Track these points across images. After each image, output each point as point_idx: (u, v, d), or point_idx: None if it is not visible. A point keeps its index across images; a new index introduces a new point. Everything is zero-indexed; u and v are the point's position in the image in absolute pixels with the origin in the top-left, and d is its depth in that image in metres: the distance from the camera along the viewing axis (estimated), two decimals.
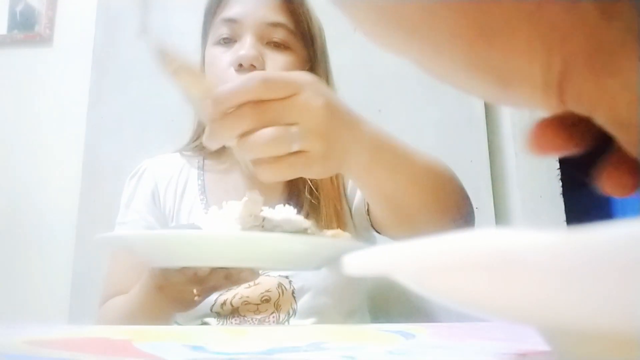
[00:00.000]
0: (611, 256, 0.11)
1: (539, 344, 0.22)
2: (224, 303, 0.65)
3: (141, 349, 0.29)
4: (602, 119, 0.17)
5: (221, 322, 0.65)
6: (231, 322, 0.65)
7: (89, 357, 0.27)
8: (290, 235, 0.44)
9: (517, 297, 0.14)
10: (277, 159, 0.40)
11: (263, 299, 0.65)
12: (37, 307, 1.30)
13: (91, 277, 0.98)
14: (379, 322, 0.81)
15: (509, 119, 1.04)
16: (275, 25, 0.68)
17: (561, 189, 1.00)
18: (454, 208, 0.54)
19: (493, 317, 0.17)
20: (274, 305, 0.66)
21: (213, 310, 0.65)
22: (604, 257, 0.11)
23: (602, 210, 1.31)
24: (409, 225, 0.53)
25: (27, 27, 1.49)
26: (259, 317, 0.65)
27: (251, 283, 0.64)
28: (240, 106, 0.39)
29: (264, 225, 0.46)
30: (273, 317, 0.65)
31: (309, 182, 0.71)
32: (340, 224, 0.70)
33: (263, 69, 0.66)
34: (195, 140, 0.79)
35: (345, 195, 0.74)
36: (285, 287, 0.66)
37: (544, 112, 0.20)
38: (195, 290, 0.53)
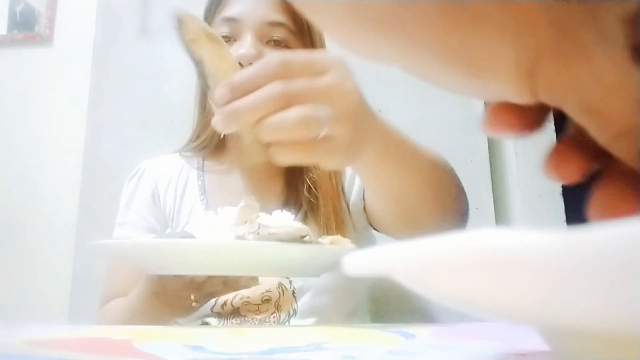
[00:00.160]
0: (611, 256, 0.11)
1: (539, 344, 0.22)
2: (224, 303, 0.65)
3: (141, 349, 0.29)
4: (571, 108, 0.17)
5: (222, 323, 0.65)
6: (232, 323, 0.65)
7: (89, 357, 0.27)
8: (283, 245, 0.44)
9: (517, 297, 0.14)
10: (301, 142, 0.37)
11: (263, 299, 0.65)
12: (37, 307, 1.30)
13: (91, 277, 0.98)
14: (379, 322, 0.81)
15: None
16: (275, 24, 0.68)
17: (561, 189, 1.00)
18: (454, 200, 0.54)
19: (493, 317, 0.17)
20: (274, 305, 0.66)
21: (213, 310, 0.65)
22: (604, 257, 0.11)
23: None
24: (413, 220, 0.53)
25: (27, 27, 1.49)
26: (259, 317, 0.65)
27: None
28: (263, 88, 0.36)
29: (259, 232, 0.45)
30: (273, 317, 0.65)
31: (308, 181, 0.71)
32: (339, 223, 0.70)
33: None
34: (194, 141, 0.79)
35: (343, 192, 0.74)
36: (285, 287, 0.66)
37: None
38: (192, 296, 0.53)
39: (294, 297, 0.67)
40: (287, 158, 0.38)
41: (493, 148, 1.08)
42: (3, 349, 0.28)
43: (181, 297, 0.53)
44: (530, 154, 1.02)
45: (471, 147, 1.06)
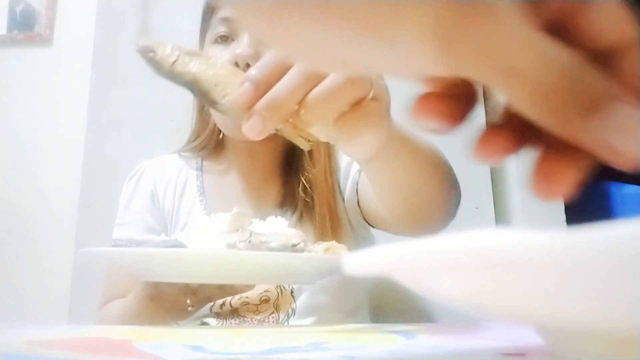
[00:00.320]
0: (611, 256, 0.11)
1: (539, 344, 0.22)
2: (223, 304, 0.65)
3: (141, 349, 0.29)
4: (490, 72, 0.16)
5: (220, 323, 0.65)
6: (230, 323, 0.65)
7: (89, 357, 0.27)
8: (274, 255, 0.44)
9: (517, 297, 0.14)
10: (356, 107, 0.33)
11: (262, 299, 0.65)
12: (37, 307, 1.30)
13: (91, 277, 0.98)
14: (379, 322, 0.81)
15: None
16: None
17: None
18: (451, 189, 0.53)
19: (493, 317, 0.17)
20: (273, 305, 0.66)
21: (212, 310, 0.65)
22: (604, 257, 0.11)
23: (602, 210, 1.31)
24: (420, 211, 0.52)
25: (27, 27, 1.49)
26: (258, 317, 0.65)
27: None
28: (291, 69, 0.32)
29: (251, 240, 0.45)
30: (272, 317, 0.65)
31: (303, 180, 0.71)
32: (334, 224, 0.69)
33: None
34: (193, 141, 0.79)
35: (340, 190, 0.74)
36: (284, 286, 0.66)
37: (426, 84, 0.20)
38: (188, 301, 0.53)
39: (293, 296, 0.67)
40: (351, 128, 0.34)
41: None
42: (3, 349, 0.28)
43: (177, 301, 0.53)
44: (530, 154, 1.02)
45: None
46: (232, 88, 0.34)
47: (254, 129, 0.32)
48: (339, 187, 0.74)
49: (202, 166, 0.78)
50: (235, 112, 0.34)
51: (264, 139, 0.33)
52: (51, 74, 1.46)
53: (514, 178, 1.03)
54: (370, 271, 0.18)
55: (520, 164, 1.02)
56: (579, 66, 0.16)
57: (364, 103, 0.33)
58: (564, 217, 0.99)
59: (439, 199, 0.52)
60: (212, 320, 0.65)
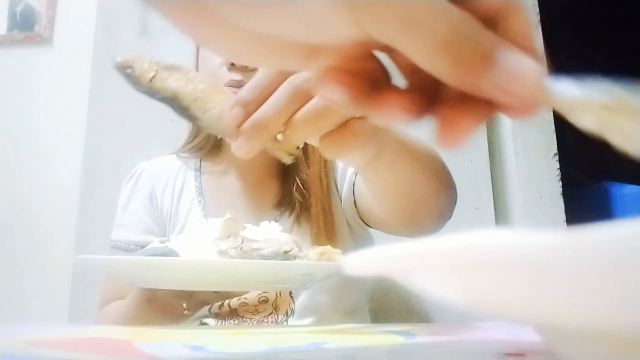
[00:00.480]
0: (611, 256, 0.11)
1: (539, 344, 0.22)
2: (222, 305, 0.65)
3: (141, 349, 0.29)
4: (392, 27, 0.18)
5: (219, 323, 0.65)
6: (229, 323, 0.65)
7: (89, 357, 0.27)
8: (264, 263, 0.44)
9: (517, 297, 0.14)
10: (341, 127, 0.33)
11: (261, 299, 0.65)
12: (37, 307, 1.30)
13: (91, 278, 0.98)
14: (379, 322, 0.81)
15: (509, 118, 1.04)
16: None
17: (561, 189, 1.00)
18: (448, 190, 0.53)
19: (493, 317, 0.17)
20: (272, 305, 0.66)
21: (211, 311, 0.65)
22: (604, 257, 0.11)
23: (602, 210, 1.31)
24: (419, 212, 0.52)
25: (27, 27, 1.49)
26: (257, 317, 0.65)
27: None
28: (278, 90, 0.33)
29: (243, 247, 0.45)
30: (271, 317, 0.65)
31: (298, 181, 0.71)
32: (328, 224, 0.69)
33: (255, 67, 0.66)
34: (191, 142, 0.79)
35: (337, 191, 0.74)
36: None
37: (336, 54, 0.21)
38: (184, 304, 0.53)
39: (292, 297, 0.67)
40: (337, 148, 0.34)
41: (493, 148, 1.08)
42: (3, 349, 0.28)
43: (172, 305, 0.53)
44: (530, 154, 1.02)
45: (471, 147, 1.06)
46: (212, 103, 0.33)
47: (241, 149, 0.33)
48: (336, 188, 0.74)
49: (200, 167, 0.78)
50: (216, 128, 0.34)
51: None
52: (51, 74, 1.46)
53: (514, 178, 1.03)
54: (370, 271, 0.18)
55: (520, 164, 1.02)
56: (472, 21, 0.18)
57: (349, 123, 0.33)
58: (564, 217, 0.99)
59: (435, 201, 0.52)
60: (211, 321, 0.65)
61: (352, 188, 0.70)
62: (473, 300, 0.16)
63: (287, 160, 0.36)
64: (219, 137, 0.75)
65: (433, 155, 0.51)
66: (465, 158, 1.03)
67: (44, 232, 1.37)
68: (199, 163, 0.79)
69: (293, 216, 0.71)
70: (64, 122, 1.41)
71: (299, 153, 0.36)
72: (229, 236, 0.46)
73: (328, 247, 0.49)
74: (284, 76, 0.33)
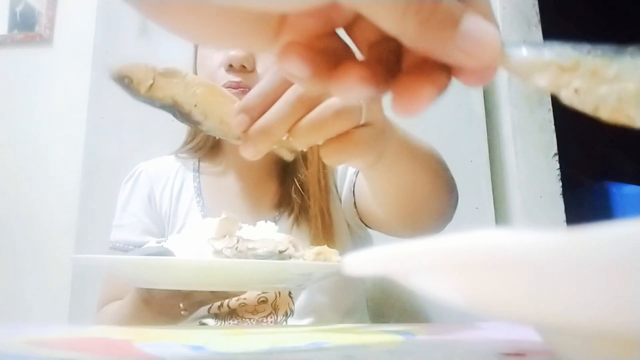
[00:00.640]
0: (611, 256, 0.11)
1: (539, 344, 0.22)
2: (221, 305, 0.65)
3: (141, 349, 0.29)
4: None
5: (219, 324, 0.65)
6: (229, 324, 0.65)
7: (89, 357, 0.27)
8: (259, 263, 0.44)
9: (517, 297, 0.14)
10: (342, 136, 0.34)
11: (260, 300, 0.65)
12: (37, 307, 1.30)
13: (91, 277, 0.98)
14: (379, 322, 0.81)
15: (509, 119, 1.04)
16: None
17: (561, 189, 1.00)
18: (449, 192, 0.53)
19: (493, 317, 0.17)
20: (271, 305, 0.66)
21: (210, 311, 0.65)
22: (604, 257, 0.11)
23: (602, 210, 1.31)
24: (420, 213, 0.52)
25: (27, 28, 1.49)
26: (256, 317, 0.65)
27: None
28: (283, 96, 0.33)
29: (238, 246, 0.45)
30: (271, 317, 0.65)
31: (296, 182, 0.71)
32: (326, 225, 0.69)
33: (253, 69, 0.66)
34: (190, 142, 0.79)
35: (337, 191, 0.74)
36: None
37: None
38: (181, 305, 0.53)
39: (291, 297, 0.67)
40: (336, 156, 0.35)
41: (493, 148, 1.08)
42: (3, 349, 0.28)
43: (169, 305, 0.53)
44: (530, 154, 1.02)
45: (471, 147, 1.06)
46: (212, 106, 0.34)
47: (247, 153, 0.33)
48: (336, 189, 0.74)
49: (199, 167, 0.78)
50: (219, 131, 0.34)
51: None
52: (51, 74, 1.46)
53: (514, 178, 1.03)
54: (370, 271, 0.18)
55: (520, 164, 1.02)
56: None
57: (351, 132, 0.34)
58: (564, 217, 0.99)
59: (436, 201, 0.52)
60: (210, 321, 0.65)
61: (352, 189, 0.70)
62: (473, 300, 0.16)
63: (289, 157, 0.36)
64: (217, 138, 0.76)
65: (435, 156, 0.51)
66: (465, 158, 1.03)
67: (44, 232, 1.37)
68: (197, 164, 0.79)
69: (292, 217, 0.71)
70: (64, 122, 1.41)
71: (299, 150, 0.37)
72: (225, 236, 0.46)
73: (324, 247, 0.49)
74: (288, 83, 0.33)
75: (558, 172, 1.01)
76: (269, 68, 0.65)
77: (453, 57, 0.19)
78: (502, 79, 1.07)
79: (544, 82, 0.18)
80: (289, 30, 0.21)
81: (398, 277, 0.17)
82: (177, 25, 0.21)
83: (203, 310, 0.63)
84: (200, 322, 0.65)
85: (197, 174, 0.77)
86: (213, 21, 0.21)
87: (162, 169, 0.78)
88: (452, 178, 0.53)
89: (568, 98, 0.18)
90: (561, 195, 1.00)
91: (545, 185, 1.00)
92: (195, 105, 0.33)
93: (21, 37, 1.49)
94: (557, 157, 1.01)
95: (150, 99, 0.33)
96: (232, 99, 0.35)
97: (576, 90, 0.18)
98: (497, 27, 0.19)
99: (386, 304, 0.92)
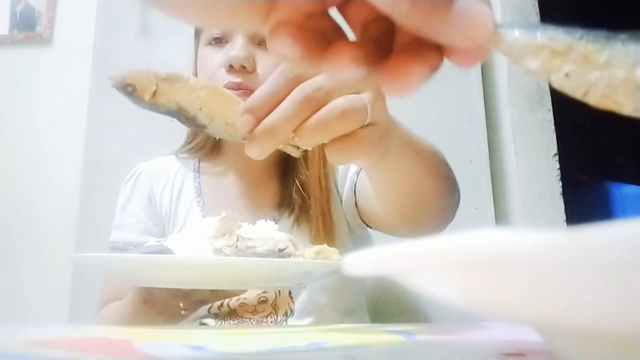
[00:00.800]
0: (611, 256, 0.11)
1: (539, 344, 0.22)
2: (221, 305, 0.65)
3: (141, 349, 0.29)
4: None
5: (219, 323, 0.65)
6: (229, 324, 0.65)
7: (89, 357, 0.27)
8: (258, 260, 0.44)
9: (517, 297, 0.14)
10: (347, 136, 0.34)
11: (260, 300, 0.65)
12: (37, 307, 1.30)
13: (91, 278, 0.98)
14: (379, 322, 0.81)
15: (509, 119, 1.04)
16: None
17: (561, 189, 1.00)
18: (452, 192, 0.53)
19: (493, 317, 0.17)
20: (271, 305, 0.66)
21: (210, 311, 0.65)
22: (604, 257, 0.11)
23: (602, 210, 1.31)
24: (422, 213, 0.52)
25: (28, 27, 1.49)
26: (256, 317, 0.65)
27: None
28: (288, 97, 0.33)
29: (238, 245, 0.45)
30: (271, 317, 0.65)
31: (297, 182, 0.71)
32: (327, 226, 0.69)
33: (254, 69, 0.66)
34: (190, 143, 0.79)
35: (338, 192, 0.74)
36: None
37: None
38: (181, 304, 0.53)
39: (291, 297, 0.67)
40: (341, 156, 0.35)
41: (493, 148, 1.08)
42: (3, 349, 0.28)
43: (169, 305, 0.53)
44: (530, 154, 1.02)
45: (471, 147, 1.06)
46: (216, 109, 0.34)
47: (252, 152, 0.34)
48: (337, 189, 0.74)
49: (199, 167, 0.78)
50: (225, 133, 0.35)
51: None
52: (51, 74, 1.46)
53: (514, 178, 1.03)
54: (370, 271, 0.18)
55: (520, 164, 1.02)
56: None
57: (356, 132, 0.34)
58: (564, 217, 0.99)
59: (437, 201, 0.52)
60: (210, 321, 0.65)
61: (353, 189, 0.70)
62: (473, 300, 0.16)
63: (296, 154, 0.36)
64: (217, 138, 0.76)
65: (438, 156, 0.51)
66: (465, 158, 1.03)
67: (44, 232, 1.37)
68: (197, 164, 0.79)
69: (292, 217, 0.71)
70: (64, 122, 1.41)
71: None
72: (225, 234, 0.46)
73: (324, 246, 0.49)
74: (293, 83, 0.34)
75: (558, 172, 1.01)
76: (269, 69, 0.65)
77: (446, 37, 0.19)
78: (502, 79, 1.07)
79: (535, 65, 0.18)
80: (280, 9, 0.21)
81: (398, 277, 0.17)
82: (169, 5, 0.21)
83: (203, 310, 0.63)
84: (200, 322, 0.65)
85: (198, 174, 0.77)
86: (204, 0, 0.21)
87: (162, 169, 0.78)
88: (454, 178, 0.53)
89: (558, 82, 0.18)
90: (561, 195, 1.00)
91: (545, 185, 1.00)
92: (200, 109, 0.34)
93: (21, 37, 1.49)
94: (557, 157, 1.01)
95: (155, 106, 0.33)
96: (235, 100, 0.35)
97: (567, 75, 0.18)
98: (491, 7, 0.19)
99: (386, 304, 0.92)
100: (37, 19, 1.49)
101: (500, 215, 1.04)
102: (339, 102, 0.33)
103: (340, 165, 0.38)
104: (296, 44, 0.21)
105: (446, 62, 0.21)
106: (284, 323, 0.65)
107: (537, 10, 1.07)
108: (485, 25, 0.18)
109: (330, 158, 0.35)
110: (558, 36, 0.18)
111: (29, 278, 1.35)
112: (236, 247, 0.45)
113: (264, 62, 0.67)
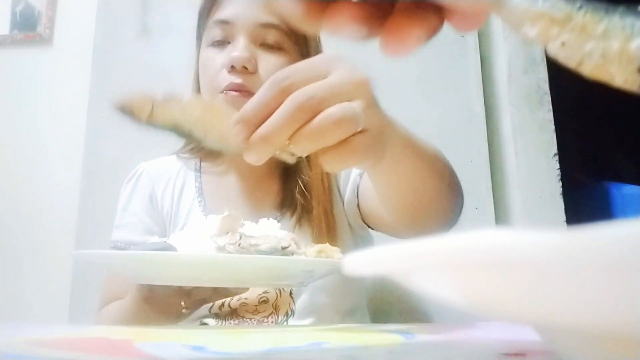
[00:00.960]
0: (611, 256, 0.11)
1: (539, 344, 0.22)
2: (222, 305, 0.65)
3: (141, 349, 0.29)
4: None
5: (219, 323, 0.65)
6: (229, 324, 0.65)
7: (89, 357, 0.27)
8: (262, 258, 0.44)
9: (517, 297, 0.14)
10: (341, 144, 0.34)
11: (261, 300, 0.65)
12: (37, 307, 1.30)
13: (91, 278, 0.98)
14: (379, 322, 0.81)
15: (509, 119, 1.04)
16: (268, 26, 0.68)
17: (561, 189, 1.00)
18: (455, 195, 0.53)
19: (493, 317, 0.17)
20: (272, 305, 0.66)
21: (211, 311, 0.65)
22: (604, 257, 0.11)
23: (602, 210, 1.31)
24: (424, 214, 0.52)
25: (28, 27, 1.49)
26: (257, 317, 0.65)
27: None
28: (281, 106, 0.34)
29: (241, 243, 0.45)
30: (271, 317, 0.65)
31: (300, 183, 0.71)
32: (330, 226, 0.69)
33: (255, 70, 0.66)
34: (191, 143, 0.79)
35: (339, 192, 0.74)
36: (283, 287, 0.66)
37: None
38: (183, 303, 0.53)
39: (292, 297, 0.67)
40: (336, 163, 0.35)
41: (493, 148, 1.08)
42: (3, 349, 0.28)
43: (171, 303, 0.53)
44: (530, 154, 1.02)
45: (471, 147, 1.06)
46: (210, 124, 0.36)
47: (249, 159, 0.35)
48: (339, 189, 0.74)
49: (200, 167, 0.78)
50: (222, 146, 0.36)
51: None
52: (51, 74, 1.46)
53: (514, 178, 1.03)
54: (370, 271, 0.18)
55: (520, 164, 1.02)
56: None
57: (349, 140, 0.34)
58: (564, 217, 0.99)
59: (439, 203, 0.52)
60: (211, 321, 0.65)
61: (355, 190, 0.70)
62: (473, 300, 0.16)
63: (291, 160, 0.37)
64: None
65: (440, 158, 0.51)
66: (465, 158, 1.04)
67: (44, 232, 1.37)
68: (199, 164, 0.79)
69: (294, 217, 0.71)
70: (64, 122, 1.41)
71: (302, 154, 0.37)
72: (227, 232, 0.46)
73: (326, 245, 0.49)
74: (285, 93, 0.34)
75: (558, 172, 1.01)
76: (270, 70, 0.65)
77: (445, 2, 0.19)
78: (502, 79, 1.07)
79: (534, 32, 0.18)
80: None
81: (398, 277, 0.17)
82: None
83: (204, 310, 0.63)
84: (201, 322, 0.65)
85: (199, 174, 0.77)
86: None
87: (163, 169, 0.78)
88: (457, 181, 0.53)
89: (554, 51, 0.18)
90: (561, 195, 1.00)
91: (545, 185, 1.00)
92: (195, 124, 0.36)
93: (21, 37, 1.49)
94: (557, 157, 1.01)
95: (153, 125, 0.35)
96: (229, 112, 0.36)
97: (563, 44, 0.18)
98: None
99: (386, 304, 0.92)
100: (37, 19, 1.49)
101: (500, 215, 1.04)
102: (333, 110, 0.33)
103: (336, 172, 0.38)
104: (297, 2, 0.21)
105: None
106: (285, 323, 0.65)
107: None
108: None
109: (326, 166, 0.35)
110: (558, 5, 0.18)
111: (29, 278, 1.35)
112: (239, 245, 0.45)
113: (265, 63, 0.67)
